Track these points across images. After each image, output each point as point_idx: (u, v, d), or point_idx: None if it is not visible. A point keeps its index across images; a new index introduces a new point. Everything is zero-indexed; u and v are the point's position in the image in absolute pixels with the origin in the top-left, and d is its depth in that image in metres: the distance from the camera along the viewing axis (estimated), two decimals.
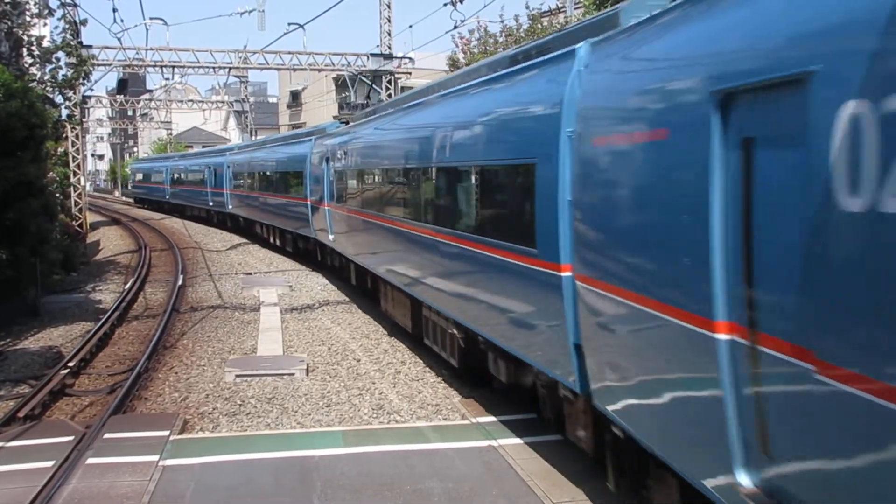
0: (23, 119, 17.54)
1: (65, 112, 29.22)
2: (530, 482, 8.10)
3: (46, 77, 26.73)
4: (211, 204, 43.13)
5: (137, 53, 33.65)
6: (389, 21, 34.87)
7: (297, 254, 27.49)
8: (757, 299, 4.27)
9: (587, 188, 6.40)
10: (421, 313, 12.74)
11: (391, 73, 35.28)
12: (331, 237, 20.13)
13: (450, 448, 9.16)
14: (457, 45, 37.60)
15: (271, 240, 31.17)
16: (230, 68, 36.58)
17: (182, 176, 52.34)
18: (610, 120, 6.18)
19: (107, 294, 21.81)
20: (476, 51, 36.39)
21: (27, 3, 25.21)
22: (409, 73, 38.43)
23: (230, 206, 37.97)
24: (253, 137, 54.93)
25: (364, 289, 18.63)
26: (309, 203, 22.59)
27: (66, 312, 18.99)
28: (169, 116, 77.64)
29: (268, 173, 30.18)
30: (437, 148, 10.88)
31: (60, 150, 30.52)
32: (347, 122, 19.48)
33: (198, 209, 48.18)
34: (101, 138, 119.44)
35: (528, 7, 35.90)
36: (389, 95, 34.19)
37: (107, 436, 9.56)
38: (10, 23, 24.03)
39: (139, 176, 69.76)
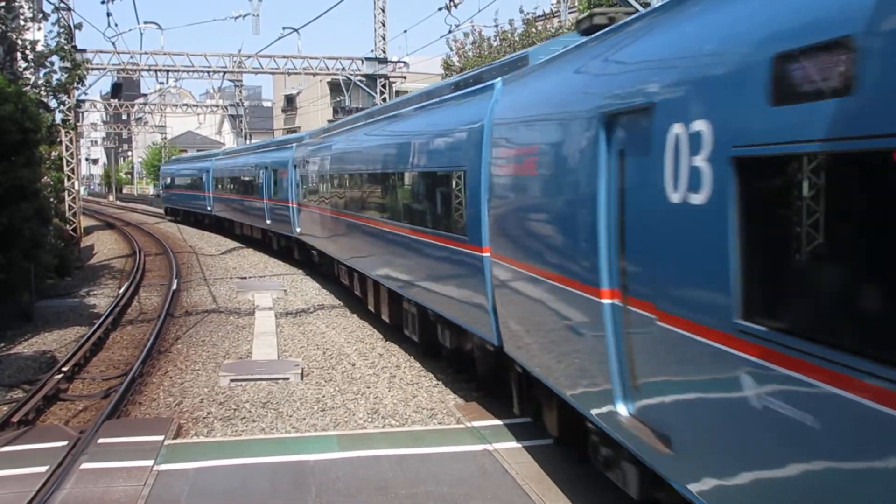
0: (16, 123, 17.52)
1: (59, 116, 29.11)
2: (525, 486, 8.10)
3: (40, 81, 26.66)
4: (268, 223, 29.37)
5: (132, 57, 33.62)
6: (384, 26, 34.88)
7: (436, 356, 13.41)
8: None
9: None
10: None
11: (386, 77, 35.27)
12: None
13: (445, 452, 9.15)
14: (451, 49, 37.75)
15: (370, 304, 16.39)
16: (225, 72, 36.54)
17: (229, 180, 37.85)
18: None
19: (101, 298, 21.76)
20: (471, 54, 36.49)
21: (21, 6, 25.14)
22: (404, 77, 38.43)
23: (299, 229, 24.63)
24: (248, 142, 54.20)
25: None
26: (487, 258, 9.47)
27: (60, 317, 18.94)
28: (163, 120, 77.56)
29: (368, 176, 15.83)
30: None
31: (54, 154, 30.47)
32: (608, 23, 7.61)
33: (249, 227, 34.69)
34: (96, 142, 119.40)
35: (521, 11, 36.05)
36: (384, 100, 34.20)
37: (101, 441, 9.54)
38: (3, 27, 23.96)
39: (171, 180, 55.07)
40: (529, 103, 8.43)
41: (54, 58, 27.55)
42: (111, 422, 10.53)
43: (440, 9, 24.35)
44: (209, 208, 42.51)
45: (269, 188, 28.90)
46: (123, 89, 72.21)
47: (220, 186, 40.00)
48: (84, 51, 31.37)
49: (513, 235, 8.53)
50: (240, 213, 35.50)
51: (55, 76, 27.35)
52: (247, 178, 33.29)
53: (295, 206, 24.99)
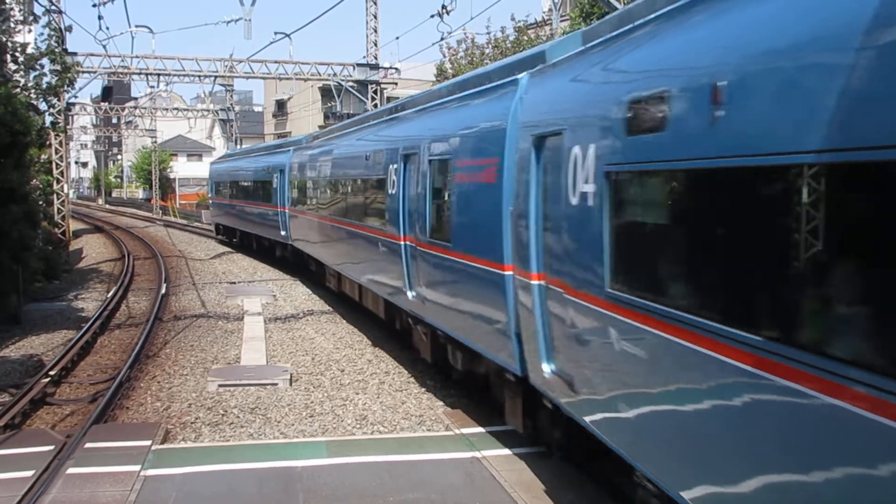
0: (6, 126, 17.49)
1: (49, 119, 29.03)
2: (514, 494, 8.09)
3: (31, 84, 26.57)
4: (412, 297, 11.80)
5: (122, 61, 33.58)
6: (376, 32, 34.94)
7: None
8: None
9: None
10: None
11: (377, 84, 35.31)
12: None
13: (433, 459, 9.14)
14: (444, 55, 37.83)
15: None
16: (216, 77, 36.53)
17: (322, 186, 19.92)
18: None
19: (89, 302, 21.67)
20: (463, 61, 36.58)
21: (11, 9, 25.04)
22: (396, 84, 38.47)
23: (549, 369, 7.47)
24: (238, 146, 53.65)
25: None
26: None
27: (47, 320, 18.84)
28: (154, 124, 77.40)
29: None
30: None
31: (44, 157, 30.35)
32: None
33: (358, 288, 16.89)
34: (85, 146, 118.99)
35: (513, 19, 36.16)
36: (375, 106, 34.21)
37: (88, 445, 9.48)
38: None
39: (224, 184, 37.21)
40: None
41: (44, 60, 27.48)
42: (98, 426, 10.48)
43: (432, 16, 24.38)
44: (284, 233, 25.28)
45: (411, 210, 11.79)
46: (114, 93, 71.92)
47: (303, 197, 22.13)
48: (75, 54, 31.34)
49: None
50: (344, 253, 17.18)
51: (45, 79, 27.27)
52: (361, 185, 15.65)
53: (538, 281, 7.70)
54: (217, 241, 39.46)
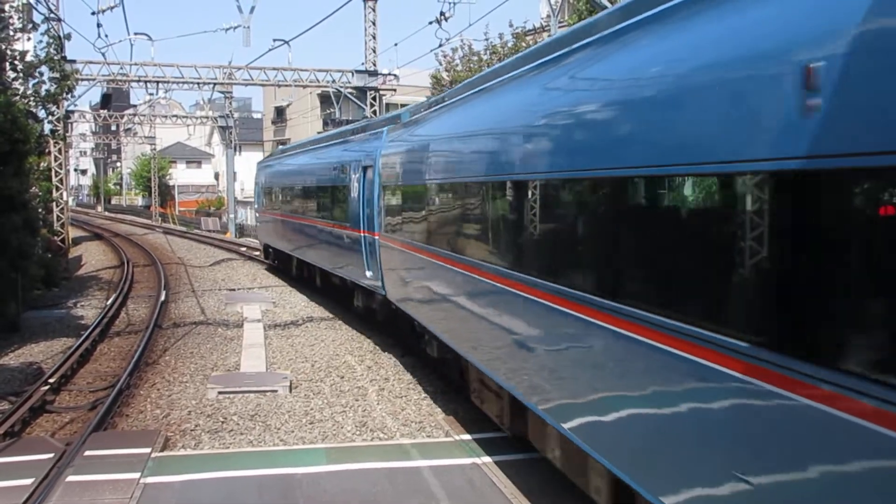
0: (5, 133, 17.51)
1: (48, 127, 29.09)
2: (514, 500, 8.09)
3: (30, 92, 26.61)
4: None
5: (121, 68, 33.59)
6: (375, 38, 34.99)
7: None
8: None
9: None
10: None
11: (376, 90, 35.35)
12: None
13: (433, 466, 9.13)
14: (440, 63, 37.86)
15: None
16: (215, 84, 36.53)
17: (483, 198, 8.40)
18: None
19: (88, 310, 21.66)
20: (460, 68, 36.61)
21: (10, 17, 25.09)
22: (394, 90, 38.53)
23: None
24: (237, 153, 53.65)
25: None
26: None
27: (47, 328, 18.83)
28: (153, 131, 77.39)
29: None
30: None
31: (43, 164, 30.39)
32: None
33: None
34: (84, 153, 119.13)
35: (511, 25, 36.21)
36: (374, 112, 34.24)
37: (87, 453, 9.48)
38: None
39: (276, 194, 27.27)
40: None
41: (44, 68, 27.52)
42: (98, 434, 10.47)
43: (430, 22, 24.47)
44: (370, 274, 15.49)
45: None
46: (113, 100, 71.98)
47: (412, 215, 11.86)
48: (74, 61, 31.36)
49: None
50: (537, 357, 7.02)
51: (44, 87, 27.31)
52: (657, 196, 5.11)
53: None
54: (266, 266, 30.90)
